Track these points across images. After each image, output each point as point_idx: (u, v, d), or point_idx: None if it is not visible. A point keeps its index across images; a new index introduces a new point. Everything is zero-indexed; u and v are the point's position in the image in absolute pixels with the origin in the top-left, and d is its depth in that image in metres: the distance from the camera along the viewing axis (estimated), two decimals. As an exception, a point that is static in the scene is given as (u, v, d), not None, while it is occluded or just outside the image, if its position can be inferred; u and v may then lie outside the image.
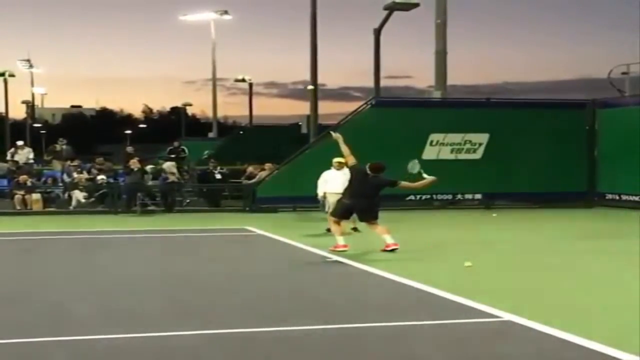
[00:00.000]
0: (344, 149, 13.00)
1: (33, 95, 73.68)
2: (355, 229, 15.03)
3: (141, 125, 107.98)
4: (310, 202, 17.70)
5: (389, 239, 12.62)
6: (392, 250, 12.47)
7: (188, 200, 23.46)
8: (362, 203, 12.66)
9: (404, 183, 12.79)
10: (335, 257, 11.93)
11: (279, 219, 19.56)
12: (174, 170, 23.34)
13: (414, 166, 13.15)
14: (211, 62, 51.54)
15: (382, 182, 12.74)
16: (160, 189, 22.55)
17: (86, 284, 9.97)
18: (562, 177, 22.98)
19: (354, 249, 12.50)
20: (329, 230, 13.89)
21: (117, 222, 18.97)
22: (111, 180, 22.98)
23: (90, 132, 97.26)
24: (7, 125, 40.77)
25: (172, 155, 26.73)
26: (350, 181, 12.99)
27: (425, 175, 12.85)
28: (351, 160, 12.93)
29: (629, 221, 18.00)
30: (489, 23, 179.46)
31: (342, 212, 12.85)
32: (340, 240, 12.54)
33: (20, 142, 27.04)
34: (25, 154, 25.43)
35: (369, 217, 12.85)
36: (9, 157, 25.58)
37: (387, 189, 12.95)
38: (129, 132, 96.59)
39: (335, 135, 13.30)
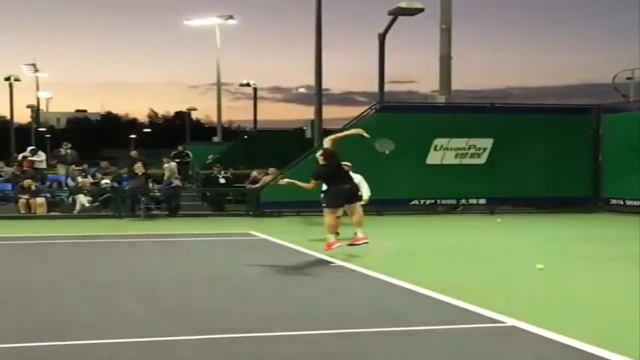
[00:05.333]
0: (302, 185, 13.25)
1: (38, 99, 73.98)
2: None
3: (146, 130, 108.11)
4: (314, 206, 17.66)
5: (360, 233, 12.65)
6: (360, 245, 12.47)
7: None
8: (350, 185, 12.88)
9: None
10: (339, 262, 11.92)
11: (283, 224, 19.57)
12: (176, 171, 23.39)
13: (382, 145, 13.41)
14: (216, 66, 51.67)
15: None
16: (164, 193, 22.58)
17: (89, 288, 9.97)
18: (566, 182, 23.00)
19: (357, 254, 12.49)
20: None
21: (121, 226, 19.00)
22: (115, 185, 23.03)
23: (95, 137, 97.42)
24: (12, 129, 40.70)
25: (177, 160, 26.84)
26: (331, 175, 12.94)
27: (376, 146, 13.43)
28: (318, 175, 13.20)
29: (633, 226, 17.95)
30: (493, 28, 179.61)
31: (337, 198, 12.80)
32: (331, 238, 12.57)
33: (31, 147, 27.29)
34: (39, 159, 25.71)
35: (356, 198, 13.04)
36: (20, 158, 25.89)
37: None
38: (133, 136, 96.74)
39: (284, 182, 13.91)
